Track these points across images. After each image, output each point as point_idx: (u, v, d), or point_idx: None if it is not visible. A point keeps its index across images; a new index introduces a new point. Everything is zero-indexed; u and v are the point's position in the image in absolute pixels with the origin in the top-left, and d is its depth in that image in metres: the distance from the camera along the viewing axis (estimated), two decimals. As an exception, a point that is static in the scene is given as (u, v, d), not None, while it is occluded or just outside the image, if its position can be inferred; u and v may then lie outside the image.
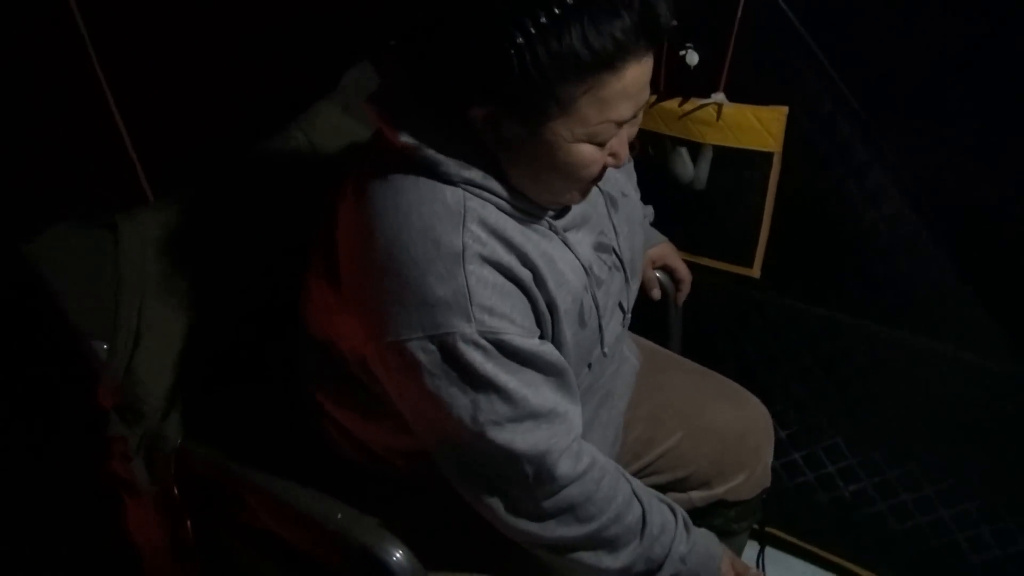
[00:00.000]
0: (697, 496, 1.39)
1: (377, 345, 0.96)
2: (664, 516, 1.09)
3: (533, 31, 0.81)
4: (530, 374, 0.96)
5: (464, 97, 0.90)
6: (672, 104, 1.53)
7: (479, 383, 0.93)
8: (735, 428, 1.37)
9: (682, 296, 1.51)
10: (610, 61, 0.84)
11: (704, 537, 1.14)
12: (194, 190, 1.29)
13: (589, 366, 1.11)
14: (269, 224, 1.30)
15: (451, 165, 0.93)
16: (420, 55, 0.94)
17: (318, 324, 1.09)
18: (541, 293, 0.98)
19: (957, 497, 1.59)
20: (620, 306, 1.17)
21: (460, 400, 0.94)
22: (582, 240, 1.06)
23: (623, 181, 1.21)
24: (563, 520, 1.02)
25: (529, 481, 0.98)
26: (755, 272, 1.63)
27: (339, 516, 1.08)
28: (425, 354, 0.92)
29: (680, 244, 1.55)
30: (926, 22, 1.27)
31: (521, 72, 0.83)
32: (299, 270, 1.13)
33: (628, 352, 1.34)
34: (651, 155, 1.62)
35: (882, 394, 1.60)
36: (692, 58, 1.46)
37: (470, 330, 0.91)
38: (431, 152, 0.93)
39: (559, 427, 0.98)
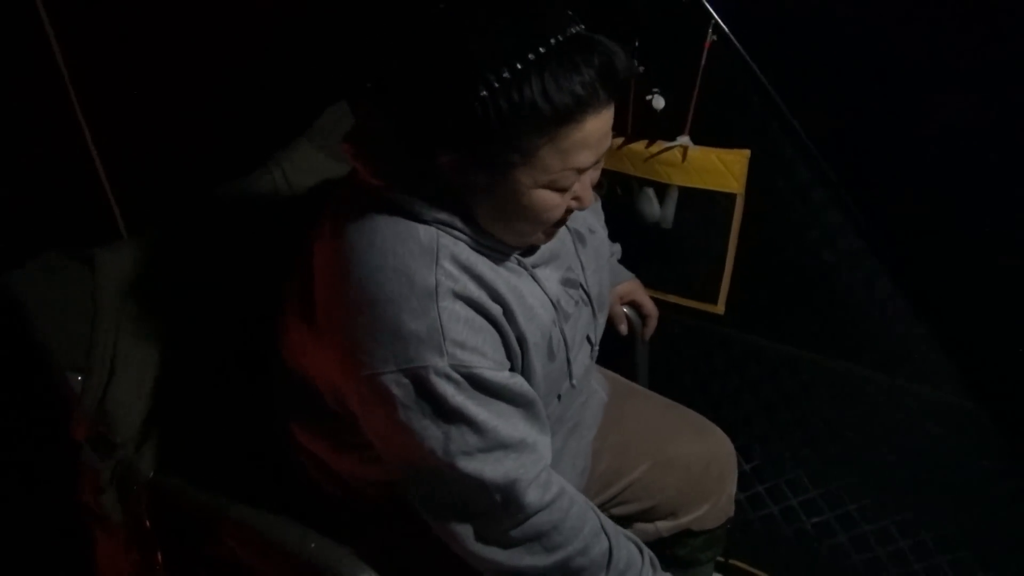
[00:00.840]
0: (663, 526, 1.41)
1: (352, 378, 0.98)
2: (631, 553, 1.10)
3: (496, 85, 0.85)
4: (500, 405, 0.98)
5: (431, 144, 0.93)
6: (639, 146, 1.59)
7: (450, 415, 0.95)
8: (700, 459, 1.40)
9: (649, 331, 1.55)
10: (570, 114, 0.88)
11: None
12: (172, 225, 1.31)
13: (559, 397, 1.14)
14: (245, 260, 1.31)
15: (422, 205, 0.96)
16: (392, 101, 0.98)
17: (293, 358, 1.11)
18: (511, 327, 1.01)
19: (914, 528, 1.64)
20: (588, 339, 1.20)
21: (432, 431, 0.96)
22: (550, 276, 1.09)
23: (591, 218, 1.25)
24: (530, 548, 1.04)
25: (498, 509, 1.00)
26: (720, 309, 1.67)
27: (312, 545, 1.09)
28: (398, 387, 0.95)
29: (647, 282, 1.59)
30: (883, 71, 1.34)
31: (484, 123, 0.87)
32: (275, 305, 1.15)
33: (596, 385, 1.37)
34: (619, 195, 1.67)
35: (842, 428, 1.65)
36: (658, 102, 1.53)
37: (442, 364, 0.93)
38: (403, 192, 0.97)
39: (528, 457, 1.00)
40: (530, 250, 1.07)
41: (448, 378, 0.94)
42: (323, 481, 1.20)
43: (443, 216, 0.97)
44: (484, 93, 0.85)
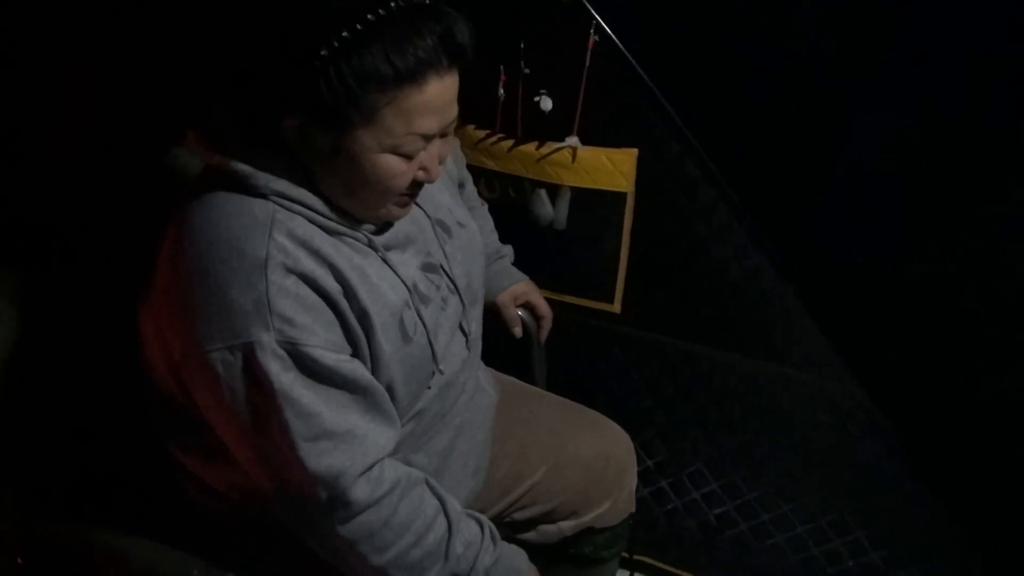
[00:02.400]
0: (566, 526, 1.42)
1: (184, 359, 0.95)
2: (471, 531, 1.09)
3: (336, 44, 0.86)
4: (328, 391, 0.96)
5: (275, 110, 0.93)
6: (529, 148, 1.59)
7: (274, 395, 0.92)
8: (598, 456, 1.41)
9: (544, 332, 1.55)
10: (411, 75, 0.90)
11: (511, 552, 1.15)
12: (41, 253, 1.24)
13: (430, 388, 1.13)
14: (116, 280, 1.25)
15: (261, 178, 0.95)
16: (234, 73, 0.98)
17: (156, 372, 1.07)
18: (352, 305, 0.98)
19: (811, 514, 1.69)
20: (462, 330, 1.19)
21: (256, 414, 0.94)
22: (408, 260, 1.09)
23: (460, 212, 1.26)
24: (360, 548, 1.01)
25: (323, 505, 0.98)
26: (616, 308, 1.69)
27: (194, 572, 1.05)
28: (224, 366, 0.92)
29: (543, 283, 1.60)
30: (766, 66, 1.37)
31: (326, 84, 0.88)
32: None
33: (485, 383, 1.36)
34: (512, 197, 1.67)
35: (737, 419, 1.68)
36: (546, 104, 1.53)
37: (268, 339, 0.91)
38: (242, 167, 0.95)
39: (357, 449, 0.98)
40: (382, 230, 1.07)
41: (274, 355, 0.92)
42: (203, 498, 1.15)
43: (284, 188, 0.96)
44: (324, 52, 0.87)
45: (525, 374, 1.57)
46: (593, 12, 1.42)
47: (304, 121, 0.92)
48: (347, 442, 0.97)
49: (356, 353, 1.00)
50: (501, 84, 1.55)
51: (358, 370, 0.99)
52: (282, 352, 0.92)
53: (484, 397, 1.34)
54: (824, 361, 1.54)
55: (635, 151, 1.52)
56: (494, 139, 1.63)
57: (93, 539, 1.12)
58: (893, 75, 1.28)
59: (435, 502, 1.07)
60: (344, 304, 0.97)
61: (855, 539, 1.66)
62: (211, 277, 0.92)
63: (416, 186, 1.01)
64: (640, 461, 1.69)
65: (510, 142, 1.60)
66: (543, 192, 1.63)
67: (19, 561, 1.18)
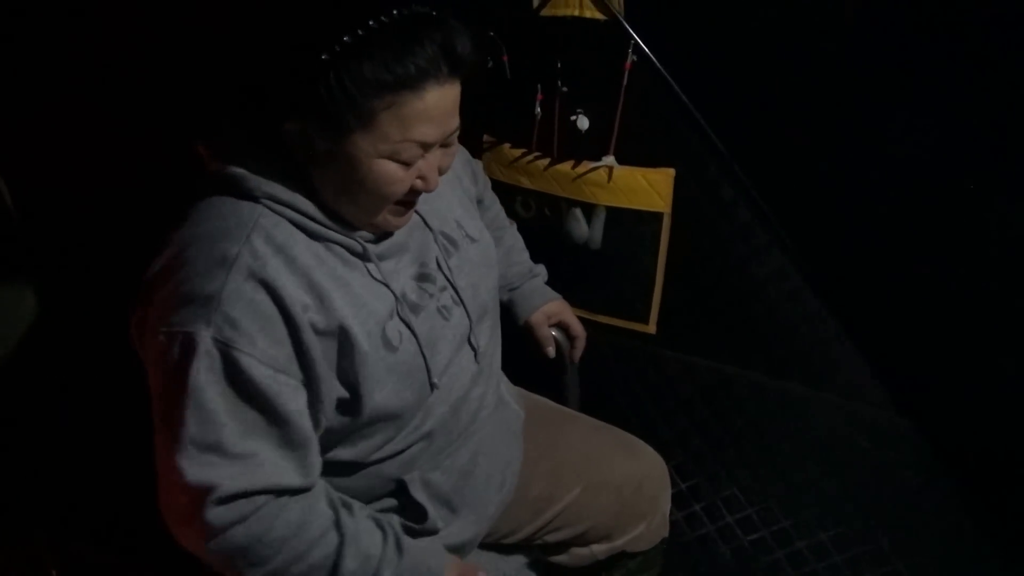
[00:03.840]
0: (598, 549, 1.40)
1: (142, 333, 0.96)
2: (369, 544, 1.04)
3: (337, 49, 0.88)
4: (244, 408, 0.93)
5: (277, 113, 0.95)
6: (565, 167, 1.58)
7: (186, 390, 0.91)
8: (632, 479, 1.39)
9: (577, 353, 1.54)
10: (410, 82, 0.91)
11: (421, 554, 1.09)
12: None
13: (440, 407, 1.11)
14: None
15: (253, 180, 0.97)
16: (239, 77, 1.00)
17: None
18: (320, 320, 0.97)
19: (848, 542, 1.65)
20: (470, 344, 1.18)
21: (168, 401, 0.92)
22: (400, 269, 1.09)
23: (472, 226, 1.25)
24: (235, 563, 0.97)
25: (183, 512, 0.94)
26: (651, 328, 1.67)
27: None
28: (162, 347, 0.92)
29: (577, 303, 1.58)
30: (804, 86, 1.35)
31: (325, 88, 0.89)
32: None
33: (508, 397, 1.33)
34: (547, 216, 1.66)
35: (773, 444, 1.65)
36: (583, 123, 1.53)
37: (206, 334, 0.90)
38: (237, 170, 0.97)
39: (245, 473, 0.93)
40: (381, 238, 1.07)
41: (206, 352, 0.90)
42: None
43: (276, 191, 0.97)
44: (325, 57, 0.88)
45: (558, 395, 1.55)
46: (632, 32, 1.41)
47: (304, 125, 0.93)
48: (239, 464, 0.93)
49: (307, 377, 0.97)
50: (538, 103, 1.55)
51: (288, 399, 0.95)
52: (215, 352, 0.91)
53: (508, 411, 1.32)
54: (865, 387, 1.50)
55: (672, 171, 1.51)
56: (530, 157, 1.62)
57: (126, 559, 1.11)
58: (942, 95, 1.26)
59: (328, 516, 1.02)
60: (304, 320, 0.95)
61: (895, 570, 1.61)
62: (184, 265, 0.93)
63: (414, 194, 1.01)
64: (673, 484, 1.67)
65: (546, 161, 1.60)
66: (578, 211, 1.62)
67: (53, 574, 1.19)
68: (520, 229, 1.56)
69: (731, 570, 1.80)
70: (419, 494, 1.14)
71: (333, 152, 0.95)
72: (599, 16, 1.44)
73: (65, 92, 1.47)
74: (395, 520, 1.12)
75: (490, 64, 1.55)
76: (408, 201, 1.02)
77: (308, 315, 0.96)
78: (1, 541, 1.16)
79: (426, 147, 0.97)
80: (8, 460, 1.26)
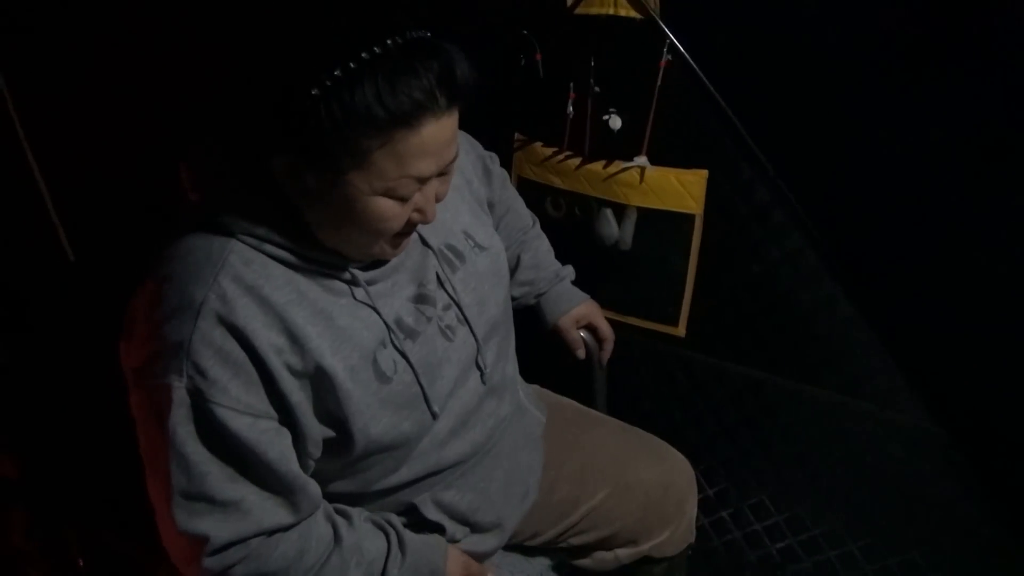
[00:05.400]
0: (623, 554, 1.38)
1: (128, 377, 0.94)
2: (373, 548, 1.04)
3: (328, 83, 0.82)
4: (224, 455, 0.91)
5: (265, 147, 0.89)
6: (597, 167, 1.57)
7: (167, 443, 0.89)
8: (659, 483, 1.37)
9: (606, 355, 1.52)
10: (405, 118, 0.85)
11: (423, 548, 1.08)
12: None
13: (435, 418, 1.07)
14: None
15: (228, 217, 0.92)
16: (227, 108, 0.95)
17: None
18: (296, 362, 0.93)
19: (879, 552, 1.62)
20: (477, 365, 1.14)
21: (154, 451, 0.91)
22: (394, 293, 1.04)
23: (481, 233, 1.20)
24: None
25: (183, 555, 0.94)
26: (681, 331, 1.65)
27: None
28: (141, 398, 0.91)
29: (606, 303, 1.57)
30: (842, 89, 1.33)
31: (315, 123, 0.83)
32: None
33: (527, 403, 1.31)
34: (577, 216, 1.65)
35: (804, 451, 1.63)
36: (615, 123, 1.51)
37: (179, 385, 0.88)
38: (212, 204, 0.93)
39: (232, 521, 0.92)
40: (373, 265, 1.02)
41: (181, 402, 0.88)
42: None
43: (255, 228, 0.92)
44: (315, 92, 0.82)
45: (585, 397, 1.54)
46: (667, 31, 1.40)
47: (294, 160, 0.88)
48: (226, 512, 0.92)
49: (287, 418, 0.94)
50: (570, 101, 1.54)
51: (268, 447, 0.92)
52: (189, 402, 0.88)
53: (527, 417, 1.29)
54: (898, 395, 1.48)
55: (705, 172, 1.49)
56: (561, 157, 1.61)
57: (151, 550, 1.12)
58: (975, 98, 1.23)
59: (326, 535, 1.01)
60: (278, 363, 0.91)
61: (926, 582, 1.59)
62: (158, 305, 0.90)
63: (411, 227, 0.97)
64: (700, 490, 1.65)
65: (577, 160, 1.59)
66: (609, 211, 1.61)
67: (80, 563, 1.20)
68: (550, 228, 1.54)
69: (758, 578, 1.77)
70: (433, 514, 1.13)
71: (325, 189, 0.89)
72: (634, 15, 1.42)
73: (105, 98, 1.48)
74: (395, 519, 1.11)
75: (523, 62, 1.55)
76: (405, 232, 0.97)
77: (283, 357, 0.92)
78: (29, 531, 1.18)
79: (423, 181, 0.92)
80: (35, 452, 1.28)
